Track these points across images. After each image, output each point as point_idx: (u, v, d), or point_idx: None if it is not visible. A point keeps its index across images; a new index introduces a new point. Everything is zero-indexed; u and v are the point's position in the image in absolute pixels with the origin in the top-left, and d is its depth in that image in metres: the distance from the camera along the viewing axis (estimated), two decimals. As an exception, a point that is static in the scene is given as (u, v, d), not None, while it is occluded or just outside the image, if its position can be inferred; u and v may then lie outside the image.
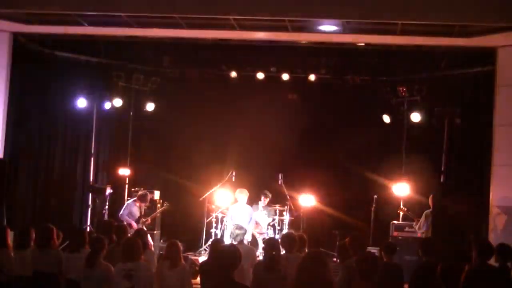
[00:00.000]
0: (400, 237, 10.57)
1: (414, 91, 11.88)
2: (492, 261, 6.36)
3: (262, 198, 11.56)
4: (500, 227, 9.84)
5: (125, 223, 9.68)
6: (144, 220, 10.77)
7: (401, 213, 10.85)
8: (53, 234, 6.85)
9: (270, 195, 11.63)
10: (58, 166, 12.38)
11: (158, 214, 11.36)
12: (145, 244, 7.45)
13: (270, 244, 6.45)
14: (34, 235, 7.14)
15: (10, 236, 7.60)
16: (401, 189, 11.80)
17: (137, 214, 10.75)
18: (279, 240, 7.26)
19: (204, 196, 11.73)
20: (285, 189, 11.75)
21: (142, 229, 8.86)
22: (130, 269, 5.81)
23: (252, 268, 6.48)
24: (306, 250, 7.03)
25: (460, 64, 11.58)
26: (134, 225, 10.42)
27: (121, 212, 10.77)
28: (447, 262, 4.62)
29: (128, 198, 11.65)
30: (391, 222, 10.93)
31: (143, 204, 10.87)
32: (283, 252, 6.80)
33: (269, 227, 11.59)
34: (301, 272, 4.74)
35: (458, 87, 11.71)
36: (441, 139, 11.69)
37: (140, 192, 11.07)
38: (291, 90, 13.14)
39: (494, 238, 9.47)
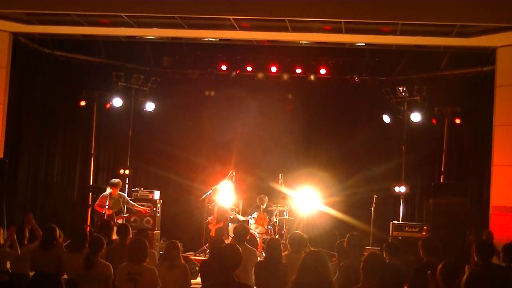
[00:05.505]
0: (400, 237, 10.57)
1: (414, 91, 11.88)
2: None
3: (261, 205, 11.60)
4: (500, 227, 9.83)
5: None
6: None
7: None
8: (55, 233, 6.86)
9: (266, 199, 11.68)
10: (58, 166, 12.38)
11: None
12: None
13: (271, 244, 6.44)
14: (28, 234, 7.21)
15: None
16: (401, 189, 11.81)
17: (106, 202, 10.60)
18: (287, 240, 7.26)
19: (204, 196, 11.72)
20: (285, 189, 11.75)
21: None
22: (135, 273, 5.77)
23: (254, 268, 6.47)
24: (307, 250, 7.01)
25: (460, 64, 11.60)
26: (105, 212, 10.51)
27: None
28: (447, 262, 4.60)
29: (128, 198, 11.60)
30: (391, 222, 10.94)
31: (115, 190, 10.78)
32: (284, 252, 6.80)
33: (269, 227, 11.59)
34: (301, 272, 4.73)
35: (458, 87, 11.73)
36: (441, 139, 11.70)
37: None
38: (291, 90, 13.15)
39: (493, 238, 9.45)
